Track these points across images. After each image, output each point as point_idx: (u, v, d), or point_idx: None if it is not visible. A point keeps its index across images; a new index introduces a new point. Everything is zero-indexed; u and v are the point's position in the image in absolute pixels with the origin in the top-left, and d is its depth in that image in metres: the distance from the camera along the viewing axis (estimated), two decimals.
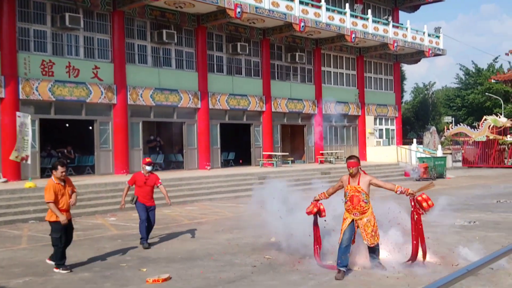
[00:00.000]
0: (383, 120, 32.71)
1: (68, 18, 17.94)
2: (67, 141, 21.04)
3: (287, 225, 8.01)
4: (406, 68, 47.76)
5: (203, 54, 22.48)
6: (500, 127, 32.71)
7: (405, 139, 35.50)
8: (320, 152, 27.26)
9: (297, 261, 7.41)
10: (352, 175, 6.75)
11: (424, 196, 6.67)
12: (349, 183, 6.75)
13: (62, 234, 7.37)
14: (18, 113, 15.81)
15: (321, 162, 26.62)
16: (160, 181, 9.43)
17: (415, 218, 6.76)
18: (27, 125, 15.43)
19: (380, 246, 6.90)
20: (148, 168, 9.33)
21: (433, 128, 32.72)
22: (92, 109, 19.30)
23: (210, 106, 22.79)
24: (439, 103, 53.54)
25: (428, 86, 54.95)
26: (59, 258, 7.43)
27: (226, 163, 24.55)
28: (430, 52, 31.80)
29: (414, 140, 30.46)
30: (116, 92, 19.56)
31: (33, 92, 17.46)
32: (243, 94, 24.27)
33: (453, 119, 46.68)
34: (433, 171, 23.83)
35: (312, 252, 7.30)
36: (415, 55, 32.57)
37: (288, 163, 24.78)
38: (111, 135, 19.62)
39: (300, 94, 27.12)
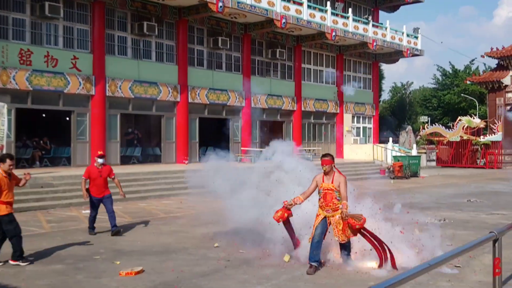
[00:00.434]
0: (361, 119, 33.14)
1: (48, 7, 17.72)
2: (43, 132, 20.79)
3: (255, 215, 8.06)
4: (385, 67, 48.45)
5: (183, 47, 22.43)
6: (474, 128, 33.47)
7: (381, 138, 36.04)
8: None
9: (269, 255, 7.54)
10: (326, 173, 6.86)
11: (352, 221, 6.63)
12: (323, 181, 6.87)
13: None
14: None
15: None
16: (114, 173, 9.90)
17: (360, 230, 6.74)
18: (3, 114, 15.20)
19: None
20: (100, 160, 9.71)
21: (409, 128, 33.27)
22: (69, 100, 19.11)
23: (190, 100, 22.76)
24: (416, 103, 54.44)
25: (405, 86, 55.81)
26: None
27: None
28: (408, 52, 32.30)
29: (390, 139, 30.94)
30: (95, 83, 19.40)
31: (10, 81, 17.21)
32: (223, 89, 24.31)
33: (429, 118, 47.54)
34: (407, 169, 24.29)
35: (286, 247, 7.43)
36: (394, 55, 33.04)
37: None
38: (88, 126, 19.47)
39: (279, 90, 27.28)
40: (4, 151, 15.44)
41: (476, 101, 45.91)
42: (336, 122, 31.09)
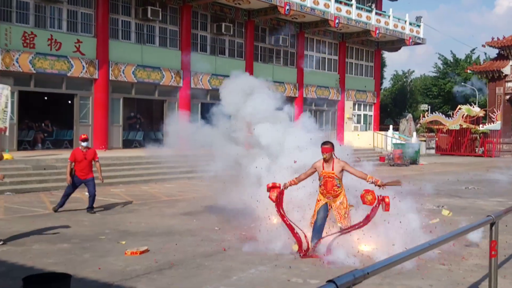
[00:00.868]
0: (362, 106, 33.23)
1: None
2: (45, 115, 20.92)
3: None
4: (387, 55, 48.29)
5: (187, 33, 22.44)
6: (473, 116, 33.60)
7: (382, 125, 36.17)
8: None
9: (271, 238, 7.69)
10: (325, 160, 6.87)
11: (387, 200, 6.48)
12: (323, 169, 6.89)
13: None
14: None
15: None
16: (98, 157, 10.26)
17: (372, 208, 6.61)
18: (6, 96, 15.29)
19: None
20: (84, 144, 10.06)
21: (409, 115, 33.41)
22: (73, 83, 19.20)
23: (192, 86, 22.84)
24: (417, 91, 54.43)
25: (407, 74, 55.73)
26: None
27: None
28: (411, 40, 32.27)
29: (391, 127, 31.08)
30: (98, 67, 19.47)
31: (13, 64, 17.29)
32: (226, 75, 24.25)
33: (429, 107, 47.60)
34: (407, 157, 24.46)
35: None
36: (396, 43, 33.02)
37: None
38: (91, 110, 19.59)
39: (282, 77, 27.33)
40: (7, 134, 15.61)
41: (476, 90, 45.92)
42: (337, 109, 31.18)
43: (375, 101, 34.13)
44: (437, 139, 33.38)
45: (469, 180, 17.57)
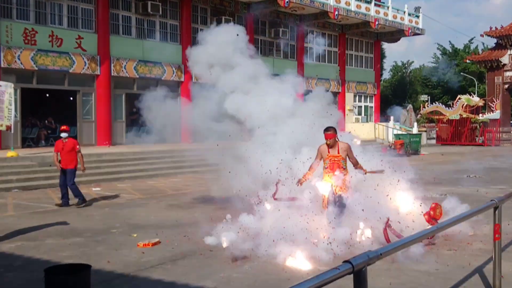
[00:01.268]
0: (362, 97, 33.33)
1: None
2: (48, 112, 21.01)
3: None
4: (386, 46, 48.32)
5: (187, 27, 22.50)
6: (473, 106, 33.71)
7: (382, 116, 36.31)
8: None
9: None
10: (330, 146, 7.03)
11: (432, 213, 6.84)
12: (328, 152, 7.02)
13: None
14: None
15: None
16: (78, 147, 10.50)
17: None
18: (10, 94, 15.39)
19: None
20: (63, 135, 10.44)
21: (409, 106, 33.54)
22: (75, 80, 19.30)
23: (194, 80, 22.90)
24: (416, 82, 54.46)
25: (406, 65, 55.73)
26: None
27: None
28: (410, 31, 32.32)
29: (391, 118, 31.21)
30: (100, 63, 19.56)
31: (15, 61, 17.38)
32: None
33: (429, 97, 47.68)
34: (408, 147, 24.62)
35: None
36: (395, 34, 33.07)
37: None
38: (94, 106, 19.70)
39: (282, 70, 27.30)
40: (12, 131, 15.73)
41: (475, 80, 46.01)
42: (338, 101, 31.28)
43: (376, 92, 34.24)
44: (437, 129, 33.52)
45: (470, 168, 17.72)
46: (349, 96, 31.75)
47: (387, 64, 67.02)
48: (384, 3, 31.78)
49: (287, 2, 23.98)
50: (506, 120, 33.97)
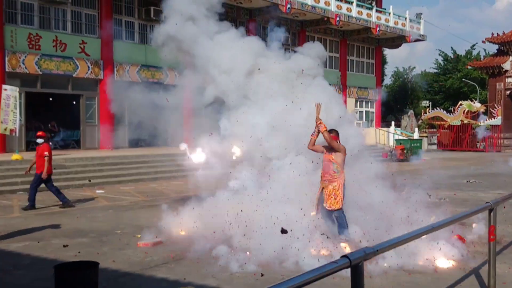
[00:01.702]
0: (364, 103, 33.49)
1: None
2: (52, 116, 21.19)
3: None
4: (388, 52, 48.51)
5: None
6: (474, 112, 33.86)
7: (384, 122, 36.47)
8: None
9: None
10: (329, 147, 7.01)
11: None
12: (325, 152, 7.06)
13: None
14: (4, 86, 15.89)
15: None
16: (45, 153, 10.52)
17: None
18: (15, 98, 15.59)
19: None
20: (39, 140, 10.74)
21: (411, 112, 33.69)
22: (78, 84, 19.50)
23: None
24: (418, 87, 54.62)
25: (408, 71, 55.89)
26: None
27: None
28: (411, 37, 32.51)
29: (393, 123, 31.37)
30: (103, 68, 19.76)
31: (20, 65, 17.58)
32: None
33: (430, 103, 47.83)
34: (409, 152, 24.75)
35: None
36: (397, 40, 33.27)
37: None
38: (97, 110, 19.88)
39: None
40: (17, 135, 15.92)
41: (477, 86, 46.17)
42: None
43: (377, 98, 34.40)
44: (438, 134, 33.66)
45: (470, 174, 17.87)
46: (350, 102, 31.91)
47: (389, 70, 67.31)
48: (385, 9, 32.01)
49: (288, 8, 24.22)
50: (507, 126, 34.08)
